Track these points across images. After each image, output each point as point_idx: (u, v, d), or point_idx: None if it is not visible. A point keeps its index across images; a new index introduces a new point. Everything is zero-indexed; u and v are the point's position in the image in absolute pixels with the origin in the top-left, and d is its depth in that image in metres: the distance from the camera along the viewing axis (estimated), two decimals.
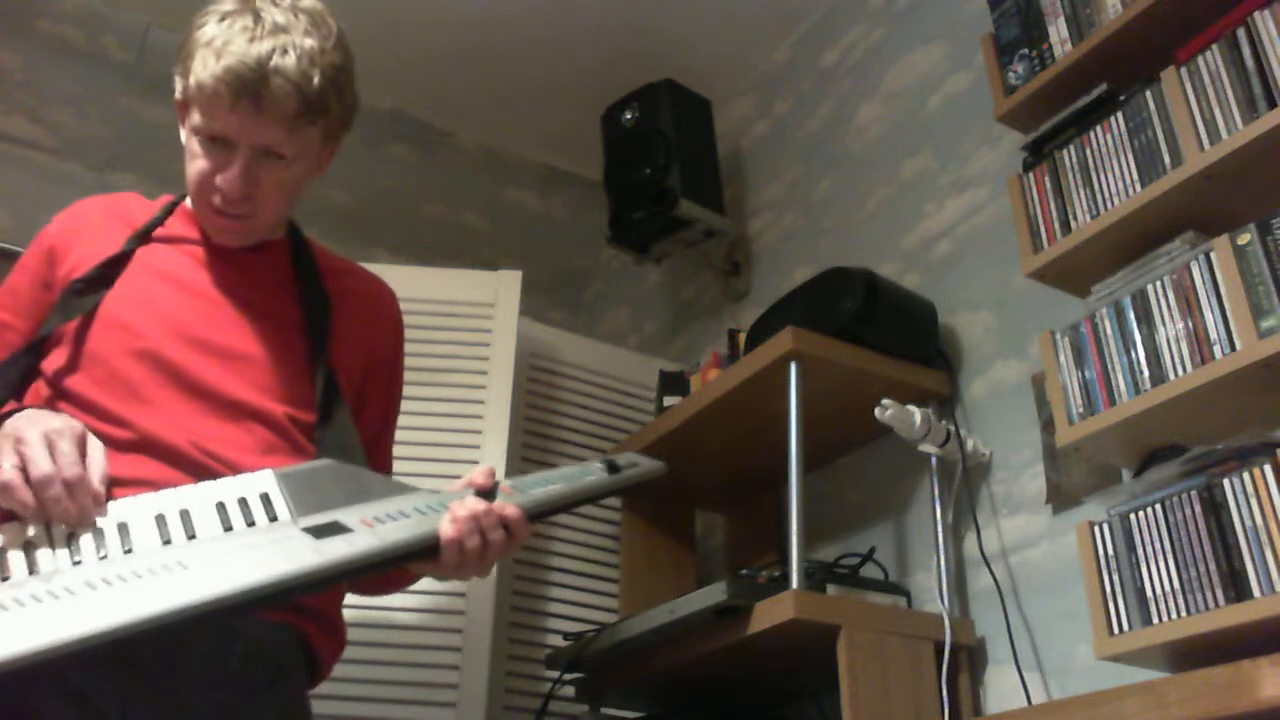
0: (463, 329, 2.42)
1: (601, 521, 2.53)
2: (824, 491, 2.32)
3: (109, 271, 1.36)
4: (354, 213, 3.11)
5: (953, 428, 1.98)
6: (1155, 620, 1.39)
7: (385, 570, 1.26)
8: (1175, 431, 1.53)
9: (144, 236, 1.41)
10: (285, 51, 1.29)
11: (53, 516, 1.08)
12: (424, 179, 3.25)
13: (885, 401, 1.91)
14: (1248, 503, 1.33)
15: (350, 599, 1.50)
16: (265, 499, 1.16)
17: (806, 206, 2.70)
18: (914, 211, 2.35)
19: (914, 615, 1.88)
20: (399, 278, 2.45)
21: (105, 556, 1.06)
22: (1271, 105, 1.44)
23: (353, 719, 2.00)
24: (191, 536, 1.09)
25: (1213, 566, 1.35)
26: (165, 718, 1.17)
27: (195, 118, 1.32)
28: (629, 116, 2.76)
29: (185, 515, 1.12)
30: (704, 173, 2.73)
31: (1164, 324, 1.51)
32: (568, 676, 2.17)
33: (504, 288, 2.48)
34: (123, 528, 1.10)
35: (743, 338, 2.31)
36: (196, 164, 1.34)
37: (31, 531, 1.07)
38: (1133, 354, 1.53)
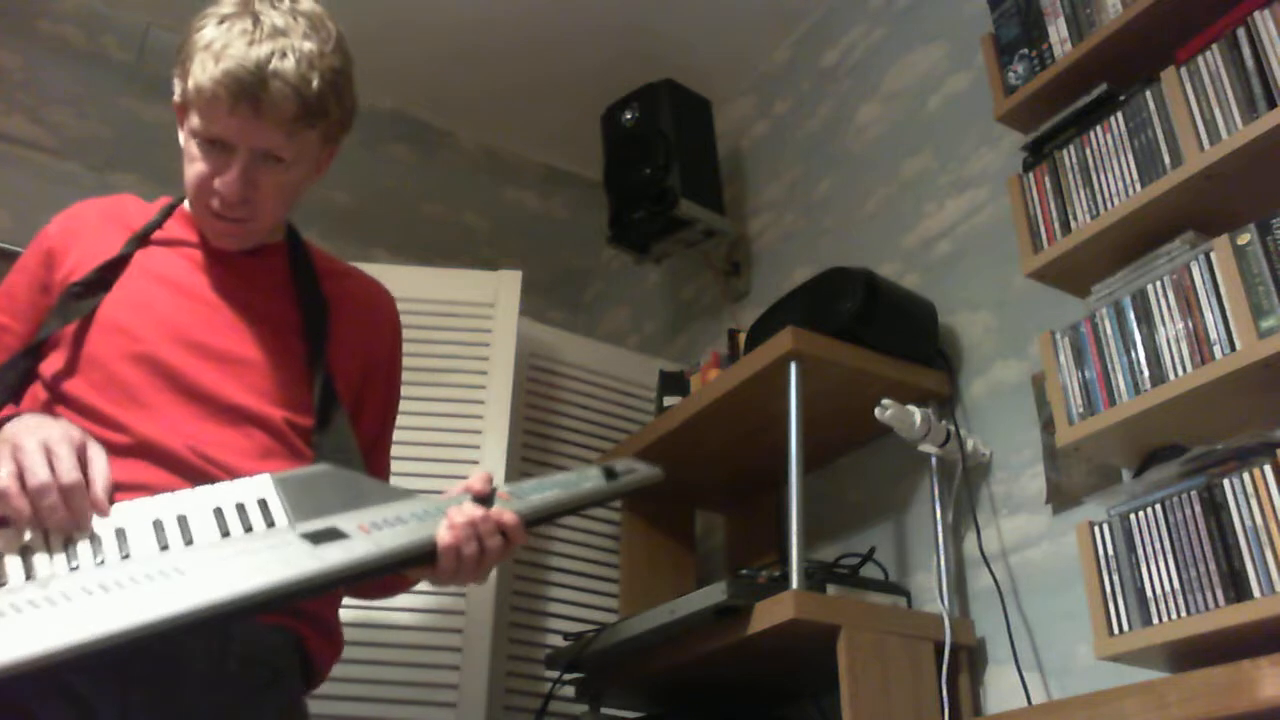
0: (463, 329, 2.42)
1: (601, 522, 2.53)
2: (824, 491, 2.32)
3: (107, 275, 1.36)
4: (354, 213, 3.11)
5: (953, 428, 1.98)
6: (1155, 620, 1.39)
7: (382, 576, 1.26)
8: (1175, 431, 1.53)
9: (142, 239, 1.41)
10: (284, 55, 1.29)
11: (48, 524, 1.08)
12: (424, 179, 3.25)
13: (885, 401, 1.91)
14: (1248, 503, 1.33)
15: (349, 600, 1.51)
16: (263, 505, 1.16)
17: (806, 206, 2.70)
18: (914, 211, 2.35)
19: (914, 615, 1.88)
20: (399, 278, 2.46)
21: (103, 562, 1.06)
22: (1271, 105, 1.44)
23: (353, 719, 2.01)
24: (189, 542, 1.09)
25: (1213, 566, 1.35)
26: None
27: (194, 121, 1.32)
28: (629, 116, 2.76)
29: (183, 521, 1.12)
30: (704, 173, 2.73)
31: (1164, 324, 1.51)
32: (568, 676, 2.17)
33: (504, 288, 2.48)
34: (120, 533, 1.10)
35: (743, 338, 2.31)
36: (195, 167, 1.34)
37: (28, 537, 1.07)
38: (1133, 354, 1.54)
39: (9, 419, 1.20)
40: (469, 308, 2.45)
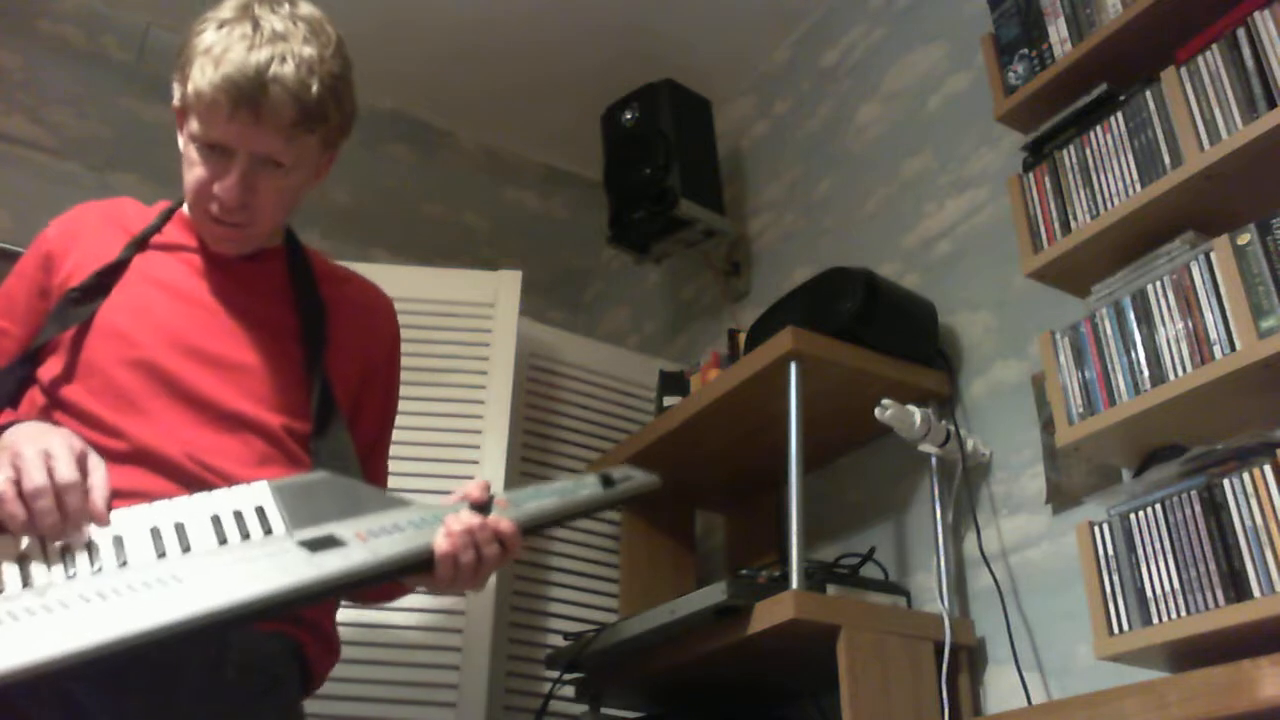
0: (463, 329, 2.42)
1: (601, 522, 2.53)
2: (824, 491, 2.32)
3: (105, 280, 1.35)
4: (354, 213, 3.11)
5: (953, 428, 1.98)
6: (1155, 620, 1.39)
7: (379, 584, 1.26)
8: (1175, 431, 1.53)
9: (141, 244, 1.40)
10: (284, 60, 1.28)
11: (43, 528, 1.08)
12: (424, 179, 3.25)
13: (885, 401, 1.91)
14: (1248, 503, 1.33)
15: (346, 601, 1.50)
16: (260, 512, 1.16)
17: (806, 206, 2.70)
18: (914, 211, 2.35)
19: (914, 615, 1.88)
20: (399, 278, 2.48)
21: (100, 570, 1.06)
22: (1271, 105, 1.44)
23: (352, 719, 2.01)
24: (187, 550, 1.09)
25: (1213, 566, 1.35)
26: None
27: (193, 125, 1.32)
28: (629, 116, 2.76)
29: (180, 528, 1.12)
30: (704, 173, 2.73)
31: (1164, 324, 1.51)
32: (568, 676, 2.17)
33: (504, 288, 2.48)
34: (117, 541, 1.09)
35: (743, 338, 2.31)
36: (194, 172, 1.34)
37: (25, 544, 1.07)
38: (1133, 354, 1.54)
39: (9, 425, 1.20)
40: (469, 308, 2.45)
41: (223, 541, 1.11)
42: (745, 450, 2.28)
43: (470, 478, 2.25)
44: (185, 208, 1.43)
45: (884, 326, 2.03)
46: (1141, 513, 1.45)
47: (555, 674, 2.19)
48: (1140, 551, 1.43)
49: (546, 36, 2.92)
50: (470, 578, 1.20)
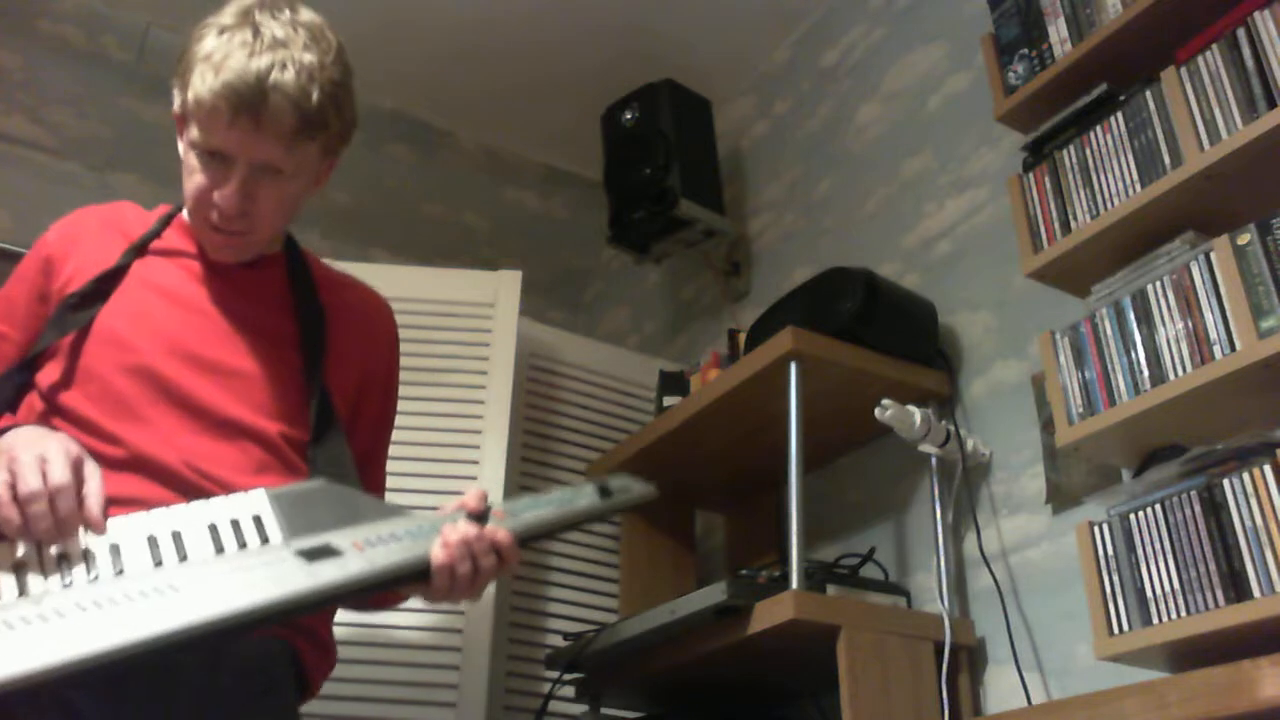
0: (463, 329, 2.42)
1: (602, 522, 2.52)
2: (824, 491, 2.32)
3: (104, 285, 1.35)
4: (354, 213, 3.11)
5: (953, 428, 1.98)
6: (1155, 620, 1.39)
7: (376, 594, 1.26)
8: (1175, 431, 1.53)
9: (140, 249, 1.40)
10: (284, 67, 1.28)
11: (37, 534, 1.08)
12: (424, 179, 3.25)
13: (885, 401, 1.91)
14: (1248, 503, 1.33)
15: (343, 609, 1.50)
16: (257, 521, 1.16)
17: (806, 206, 2.70)
18: (914, 211, 2.35)
19: (914, 615, 1.88)
20: (399, 278, 2.48)
21: (96, 578, 1.06)
22: (1271, 105, 1.44)
23: (353, 719, 2.01)
24: (183, 558, 1.09)
25: (1213, 566, 1.35)
26: None
27: (193, 132, 1.31)
28: (629, 116, 2.76)
29: (177, 537, 1.12)
30: (704, 173, 2.73)
31: (1164, 324, 1.51)
32: (568, 676, 2.17)
33: (504, 288, 2.48)
34: (114, 549, 1.09)
35: (743, 338, 2.31)
36: (194, 179, 1.33)
37: (21, 552, 1.07)
38: (1133, 354, 1.54)
39: (7, 430, 1.20)
40: (469, 308, 2.45)
41: (220, 550, 1.11)
42: (745, 450, 2.28)
43: (471, 478, 2.26)
44: (185, 213, 1.43)
45: (884, 326, 2.03)
46: (1141, 513, 1.45)
47: (555, 674, 2.19)
48: (1140, 551, 1.43)
49: (546, 36, 2.92)
50: (467, 588, 1.20)
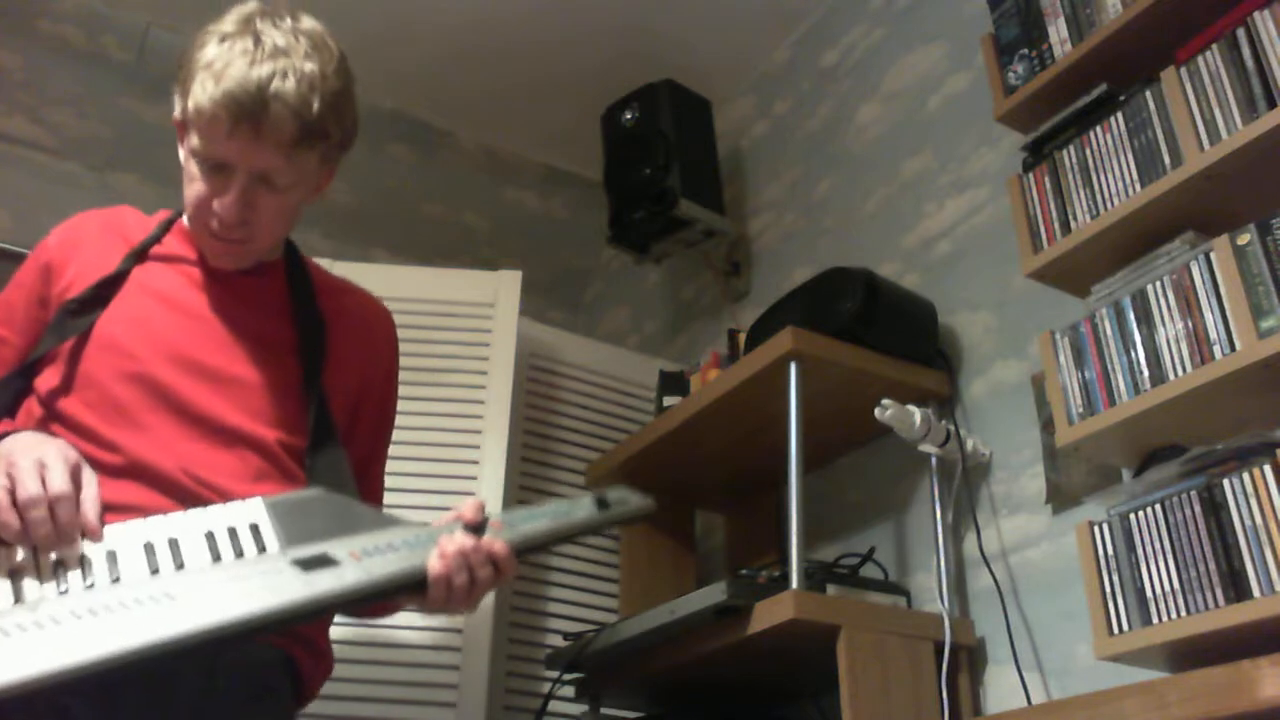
0: (463, 329, 2.42)
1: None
2: (824, 491, 2.32)
3: (104, 291, 1.35)
4: (354, 213, 3.11)
5: (953, 428, 1.98)
6: (1155, 620, 1.39)
7: (372, 603, 1.26)
8: (1175, 431, 1.53)
9: (140, 255, 1.40)
10: (285, 76, 1.27)
11: (36, 538, 1.08)
12: (424, 179, 3.25)
13: (885, 401, 1.91)
14: (1248, 503, 1.33)
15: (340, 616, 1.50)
16: (254, 529, 1.16)
17: (806, 206, 2.70)
18: (914, 211, 2.35)
19: (914, 615, 1.88)
20: (399, 278, 2.48)
21: (92, 585, 1.06)
22: (1271, 105, 1.44)
23: (352, 719, 2.01)
24: (180, 566, 1.09)
25: (1213, 566, 1.35)
26: None
27: (193, 140, 1.31)
28: (629, 116, 2.76)
29: (174, 545, 1.12)
30: (704, 173, 2.73)
31: (1164, 324, 1.51)
32: (568, 676, 2.17)
33: (504, 288, 2.48)
34: (111, 556, 1.09)
35: (743, 338, 2.31)
36: (194, 187, 1.33)
37: (19, 557, 1.07)
38: (1133, 354, 1.54)
39: (6, 435, 1.20)
40: (469, 308, 2.45)
41: (216, 558, 1.11)
42: (745, 450, 2.28)
43: (471, 478, 2.26)
44: (185, 219, 1.43)
45: (884, 326, 2.03)
46: (1141, 513, 1.45)
47: (555, 674, 2.19)
48: (1140, 551, 1.43)
49: (546, 36, 2.92)
50: (463, 599, 1.20)
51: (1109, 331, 1.58)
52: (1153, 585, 1.41)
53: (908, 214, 2.36)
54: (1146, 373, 1.51)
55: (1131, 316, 1.55)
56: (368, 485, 1.47)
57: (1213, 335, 1.44)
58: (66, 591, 1.05)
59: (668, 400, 2.46)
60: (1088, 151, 1.68)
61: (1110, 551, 1.47)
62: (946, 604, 1.85)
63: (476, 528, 1.22)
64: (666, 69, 2.80)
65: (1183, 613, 1.36)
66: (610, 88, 2.84)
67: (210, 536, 1.14)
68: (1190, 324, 1.47)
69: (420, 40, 2.91)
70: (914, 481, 2.13)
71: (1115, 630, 1.44)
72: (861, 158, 2.56)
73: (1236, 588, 1.32)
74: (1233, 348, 1.41)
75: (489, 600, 2.19)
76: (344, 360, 1.44)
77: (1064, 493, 1.85)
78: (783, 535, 2.22)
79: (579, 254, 3.50)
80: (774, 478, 2.30)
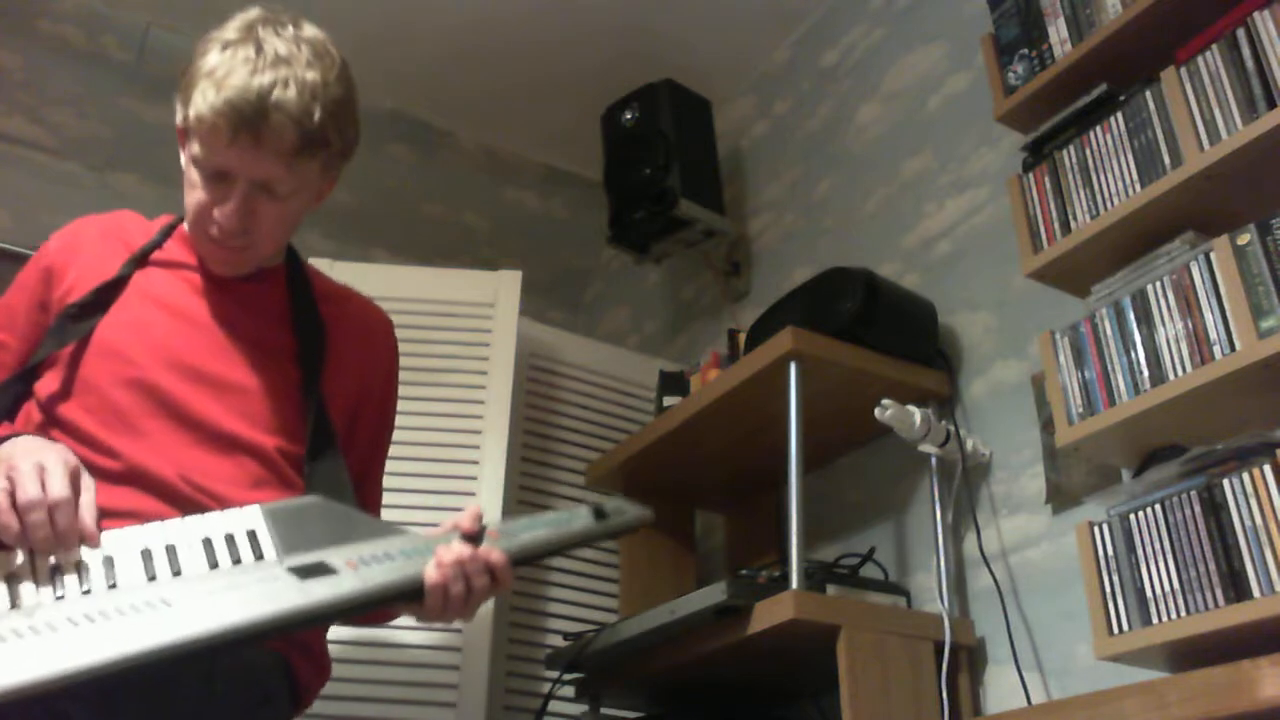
0: (463, 329, 2.42)
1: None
2: (824, 491, 2.32)
3: (104, 296, 1.35)
4: (354, 213, 3.11)
5: (953, 428, 1.98)
6: (1155, 620, 1.39)
7: (368, 612, 1.26)
8: (1175, 431, 1.53)
9: (141, 260, 1.40)
10: (286, 85, 1.27)
11: (35, 541, 1.08)
12: (424, 179, 3.25)
13: (885, 401, 1.91)
14: (1248, 503, 1.33)
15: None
16: (252, 536, 1.16)
17: (806, 206, 2.70)
18: (914, 211, 2.35)
19: (914, 615, 1.88)
20: (399, 278, 2.48)
21: (88, 591, 1.06)
22: (1271, 105, 1.44)
23: (352, 719, 2.01)
24: (177, 573, 1.09)
25: (1213, 566, 1.35)
26: None
27: (195, 148, 1.31)
28: (629, 116, 2.76)
29: (171, 551, 1.12)
30: (704, 173, 2.73)
31: (1164, 324, 1.51)
32: (568, 676, 2.17)
33: (504, 288, 2.48)
34: (108, 561, 1.09)
35: (743, 338, 2.31)
36: (195, 194, 1.33)
37: (18, 562, 1.07)
38: (1132, 354, 1.54)
39: (7, 438, 1.20)
40: (469, 308, 2.45)
41: (214, 565, 1.11)
42: (745, 450, 2.28)
43: (471, 478, 2.26)
44: (186, 225, 1.43)
45: (884, 326, 2.03)
46: (1141, 513, 1.45)
47: (555, 674, 2.19)
48: (1140, 551, 1.43)
49: (546, 36, 2.92)
50: (460, 608, 1.20)
51: (1109, 331, 1.58)
52: (1153, 585, 1.41)
53: (908, 214, 2.36)
54: (1146, 373, 1.51)
55: (1131, 316, 1.55)
56: (366, 492, 1.47)
57: (1213, 335, 1.44)
58: (63, 597, 1.05)
59: (668, 400, 2.46)
60: (1088, 151, 1.68)
61: (1110, 551, 1.47)
62: (946, 604, 1.85)
63: (473, 537, 1.22)
64: (666, 69, 2.80)
65: (1183, 613, 1.36)
66: (610, 88, 2.84)
67: (208, 543, 1.14)
68: (1190, 324, 1.47)
69: (420, 40, 2.91)
70: (914, 481, 2.13)
71: (1115, 630, 1.44)
72: (861, 158, 2.56)
73: (1236, 588, 1.32)
74: (1233, 348, 1.41)
75: (489, 601, 2.19)
76: (344, 367, 1.44)
77: (1064, 493, 1.85)
78: (783, 535, 2.22)
79: (579, 254, 3.50)
80: (774, 478, 2.30)
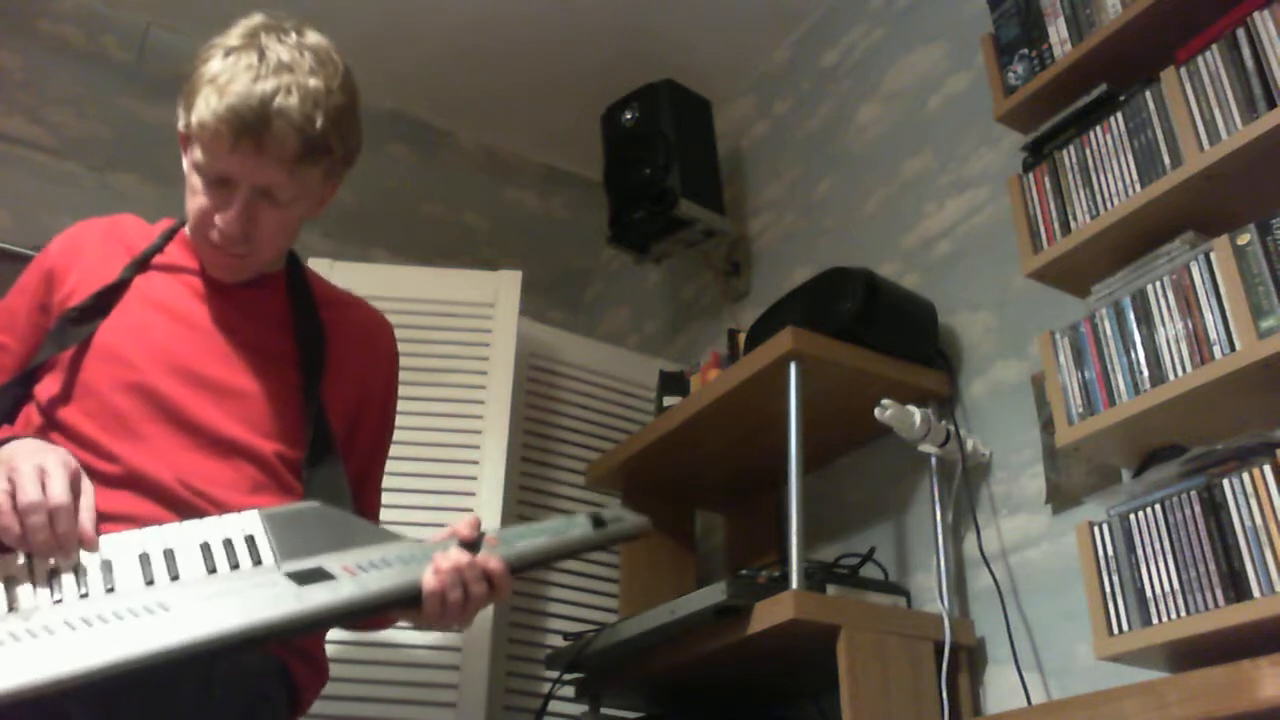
0: (463, 329, 2.42)
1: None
2: (824, 491, 2.32)
3: (105, 300, 1.35)
4: (354, 213, 3.11)
5: (952, 428, 1.98)
6: (1155, 620, 1.39)
7: (366, 617, 1.26)
8: (1175, 431, 1.53)
9: (142, 264, 1.40)
10: (289, 92, 1.27)
11: (34, 544, 1.08)
12: (424, 179, 3.25)
13: (885, 401, 1.91)
14: (1247, 503, 1.33)
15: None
16: (250, 541, 1.16)
17: (806, 206, 2.70)
18: (914, 211, 2.35)
19: (914, 615, 1.88)
20: (399, 278, 2.48)
21: (86, 595, 1.06)
22: (1271, 105, 1.44)
23: (353, 719, 2.01)
24: (175, 578, 1.09)
25: (1212, 566, 1.35)
26: None
27: (196, 154, 1.31)
28: (629, 116, 2.76)
29: (169, 555, 1.11)
30: (704, 173, 2.73)
31: (1164, 324, 1.51)
32: (568, 676, 2.17)
33: (504, 288, 2.48)
34: (106, 565, 1.09)
35: (743, 338, 2.31)
36: (196, 200, 1.33)
37: (18, 563, 1.07)
38: (1132, 354, 1.54)
39: (6, 441, 1.20)
40: (469, 308, 2.45)
41: (212, 570, 1.11)
42: (745, 450, 2.28)
43: (471, 478, 2.26)
44: (187, 229, 1.43)
45: (884, 326, 2.03)
46: (1141, 513, 1.45)
47: (555, 674, 2.19)
48: (1140, 551, 1.43)
49: (546, 36, 2.92)
50: (457, 615, 1.20)
51: (1109, 331, 1.58)
52: (1153, 585, 1.41)
53: (908, 214, 2.36)
54: (1146, 373, 1.51)
55: (1131, 316, 1.55)
56: (365, 498, 1.47)
57: (1213, 335, 1.44)
58: (61, 601, 1.05)
59: (668, 400, 2.46)
60: (1088, 151, 1.68)
61: (1110, 551, 1.47)
62: (946, 604, 1.85)
63: (472, 544, 1.22)
64: (666, 69, 2.80)
65: (1183, 613, 1.36)
66: (610, 88, 2.84)
67: (206, 548, 1.14)
68: (1190, 324, 1.47)
69: (420, 40, 2.91)
70: (914, 481, 2.13)
71: (1115, 630, 1.44)
72: (861, 158, 2.56)
73: (1236, 588, 1.32)
74: (1233, 348, 1.41)
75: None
76: (344, 372, 1.44)
77: (1064, 493, 1.85)
78: (783, 535, 2.22)
79: (579, 254, 3.50)
80: (774, 478, 2.30)
